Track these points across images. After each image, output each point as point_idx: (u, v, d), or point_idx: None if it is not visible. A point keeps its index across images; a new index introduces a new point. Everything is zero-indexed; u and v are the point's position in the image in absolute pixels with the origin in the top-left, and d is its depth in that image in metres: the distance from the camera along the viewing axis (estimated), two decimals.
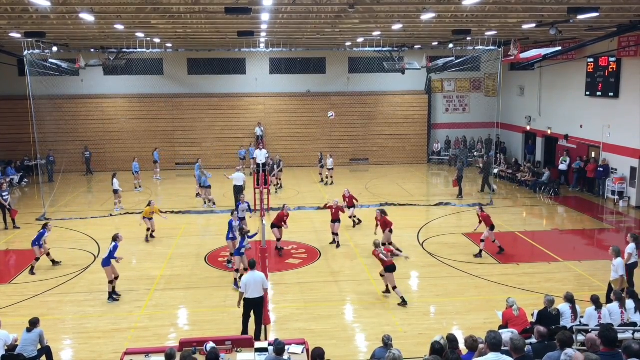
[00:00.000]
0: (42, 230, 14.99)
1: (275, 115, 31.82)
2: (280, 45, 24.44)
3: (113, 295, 12.97)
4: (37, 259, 14.89)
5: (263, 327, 10.96)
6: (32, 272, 14.74)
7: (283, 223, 16.17)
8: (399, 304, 12.51)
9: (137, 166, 25.50)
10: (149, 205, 17.91)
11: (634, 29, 17.58)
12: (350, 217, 18.90)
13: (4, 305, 12.75)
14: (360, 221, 19.25)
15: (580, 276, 14.36)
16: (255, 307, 10.59)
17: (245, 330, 10.78)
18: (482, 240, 15.88)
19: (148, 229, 17.79)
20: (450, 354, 7.01)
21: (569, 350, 6.23)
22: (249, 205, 17.42)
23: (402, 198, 23.34)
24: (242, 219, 16.85)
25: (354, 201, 19.07)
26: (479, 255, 15.76)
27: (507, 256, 16.02)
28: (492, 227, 15.78)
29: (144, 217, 17.78)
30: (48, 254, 15.25)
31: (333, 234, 17.03)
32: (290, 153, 31.17)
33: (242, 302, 10.61)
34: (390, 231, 15.83)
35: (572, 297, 9.91)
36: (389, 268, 12.74)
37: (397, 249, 15.37)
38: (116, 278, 13.08)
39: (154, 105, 31.13)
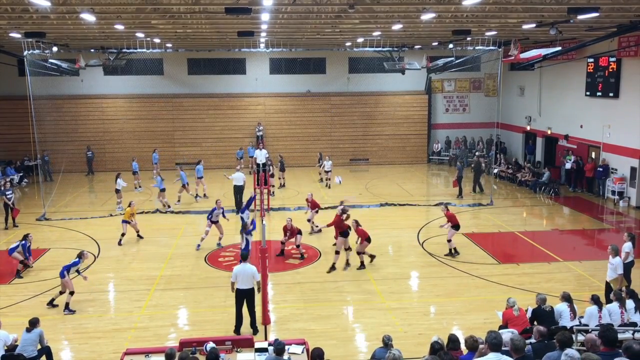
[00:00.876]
0: (23, 242, 14.88)
1: (275, 115, 31.82)
2: (280, 45, 24.44)
3: (69, 308, 12.36)
4: (22, 262, 14.81)
5: (263, 327, 11.04)
6: (19, 276, 14.62)
7: (285, 235, 16.07)
8: (327, 271, 14.39)
9: (136, 166, 25.55)
10: (129, 206, 17.69)
11: (634, 29, 17.57)
12: (308, 220, 18.33)
13: (4, 305, 12.76)
14: (319, 230, 18.12)
15: (580, 276, 14.36)
16: (247, 297, 11.03)
17: (239, 323, 11.06)
18: (449, 240, 15.83)
19: (123, 234, 17.34)
20: (443, 354, 6.97)
21: (569, 351, 6.23)
22: (223, 211, 17.15)
23: (402, 198, 23.33)
24: (215, 222, 16.87)
25: (318, 206, 18.54)
26: (449, 254, 15.74)
27: (507, 256, 16.06)
28: (456, 227, 15.65)
29: (124, 221, 17.31)
30: (21, 262, 14.92)
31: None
32: (290, 153, 31.09)
33: (234, 290, 11.09)
34: (368, 240, 14.72)
35: (569, 296, 9.92)
36: (342, 233, 13.89)
37: (370, 255, 15.28)
38: (71, 293, 12.54)
39: (154, 105, 31.13)
